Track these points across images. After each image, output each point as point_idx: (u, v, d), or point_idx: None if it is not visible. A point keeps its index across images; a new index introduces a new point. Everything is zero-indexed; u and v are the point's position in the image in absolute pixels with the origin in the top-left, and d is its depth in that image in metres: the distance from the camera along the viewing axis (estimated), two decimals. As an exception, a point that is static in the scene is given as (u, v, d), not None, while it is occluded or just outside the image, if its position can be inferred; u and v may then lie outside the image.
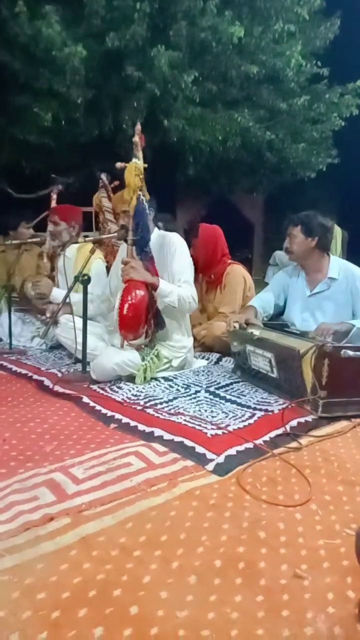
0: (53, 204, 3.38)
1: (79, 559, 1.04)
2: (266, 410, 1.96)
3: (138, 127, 2.34)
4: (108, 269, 2.84)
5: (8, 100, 5.71)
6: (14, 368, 2.60)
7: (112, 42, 5.47)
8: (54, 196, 3.48)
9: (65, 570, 1.00)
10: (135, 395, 2.13)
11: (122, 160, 2.33)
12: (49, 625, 0.85)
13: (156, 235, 2.48)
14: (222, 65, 6.31)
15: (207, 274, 3.13)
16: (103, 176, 3.19)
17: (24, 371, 2.52)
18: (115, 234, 2.47)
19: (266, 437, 1.70)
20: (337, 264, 2.45)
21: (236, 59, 6.23)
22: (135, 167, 2.25)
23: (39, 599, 0.91)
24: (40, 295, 2.79)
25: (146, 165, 2.32)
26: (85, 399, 2.05)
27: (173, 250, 2.42)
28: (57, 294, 2.75)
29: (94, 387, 2.24)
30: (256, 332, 2.27)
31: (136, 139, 2.30)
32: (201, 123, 6.54)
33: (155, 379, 2.37)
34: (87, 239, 2.60)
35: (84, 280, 2.26)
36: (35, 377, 2.42)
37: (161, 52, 5.51)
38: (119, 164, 2.31)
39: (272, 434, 1.74)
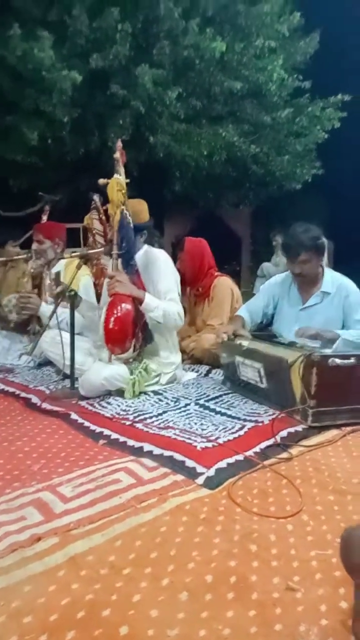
0: (44, 218, 3.40)
1: (68, 579, 1.02)
2: (256, 422, 1.95)
3: (119, 143, 2.38)
4: (97, 288, 2.84)
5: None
6: (1, 386, 2.57)
7: (95, 63, 5.55)
8: (45, 215, 3.49)
9: (53, 592, 0.98)
10: (125, 410, 2.11)
11: (108, 176, 2.35)
12: (36, 649, 0.83)
13: (143, 251, 2.49)
14: (206, 81, 6.43)
15: (194, 286, 3.14)
16: (95, 197, 3.19)
17: (11, 389, 2.49)
18: (102, 249, 2.47)
19: (256, 449, 1.69)
20: (331, 278, 2.41)
21: (219, 75, 6.36)
22: (117, 183, 2.27)
23: (26, 622, 0.89)
24: (26, 309, 2.77)
25: (128, 181, 2.34)
26: (74, 416, 2.03)
27: (158, 267, 2.42)
28: (45, 309, 2.74)
29: (83, 403, 2.22)
30: (245, 343, 2.27)
31: (117, 155, 2.33)
32: (186, 139, 6.64)
33: (145, 393, 2.36)
34: (73, 254, 2.60)
35: (70, 295, 2.25)
36: (22, 394, 2.38)
37: (145, 70, 5.60)
38: (101, 181, 2.33)
39: (263, 445, 1.73)
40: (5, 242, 3.46)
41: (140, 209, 2.52)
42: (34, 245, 2.97)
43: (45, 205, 3.62)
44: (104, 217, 3.04)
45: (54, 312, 2.39)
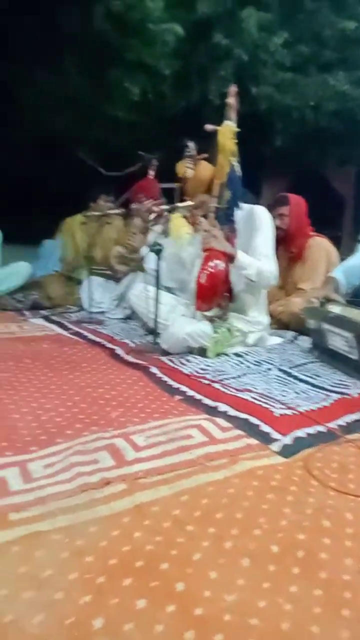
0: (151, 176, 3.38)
1: (131, 527, 1.02)
2: (342, 394, 1.81)
3: (233, 88, 2.22)
4: None
5: (101, 74, 5.76)
6: (90, 336, 2.67)
7: (201, 9, 5.29)
8: (152, 171, 3.47)
9: (115, 537, 0.99)
10: (204, 369, 2.08)
11: (209, 133, 2.23)
12: (93, 589, 0.84)
13: (243, 207, 2.38)
14: (316, 24, 5.86)
15: (290, 247, 2.96)
16: (190, 144, 3.07)
17: (98, 339, 2.58)
18: (191, 202, 2.40)
19: (340, 422, 1.57)
20: None
21: (332, 16, 5.75)
22: (229, 130, 2.14)
23: (87, 561, 0.91)
24: (130, 247, 2.82)
25: (239, 130, 2.20)
26: (154, 370, 2.05)
27: (258, 224, 2.32)
28: (144, 251, 2.76)
29: (164, 358, 2.23)
30: (335, 309, 2.10)
31: (230, 100, 2.19)
32: (292, 89, 6.17)
33: (226, 354, 2.30)
34: (162, 207, 2.56)
35: (156, 249, 2.23)
36: (109, 345, 2.46)
37: (251, 13, 5.24)
38: (208, 126, 2.20)
39: (348, 418, 1.60)
40: (97, 196, 3.51)
41: None
42: (135, 205, 2.98)
43: (146, 163, 3.59)
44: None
45: (143, 259, 2.38)
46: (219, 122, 2.25)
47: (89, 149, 6.98)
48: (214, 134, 2.23)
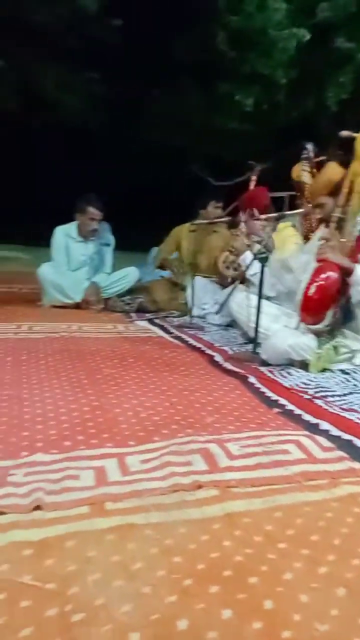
0: (252, 187, 3.39)
1: (221, 534, 1.01)
2: None
3: None
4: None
5: (213, 88, 5.91)
6: (191, 341, 2.72)
7: (322, 14, 5.17)
8: (252, 183, 3.47)
9: (204, 542, 0.98)
10: (305, 384, 1.99)
11: (323, 141, 2.16)
12: (180, 590, 0.83)
13: None
14: None
15: None
16: (309, 146, 2.97)
17: (198, 345, 2.61)
18: (302, 210, 2.32)
19: None
20: None
21: None
22: None
23: (175, 562, 0.91)
24: (234, 250, 2.83)
25: None
26: (252, 379, 2.01)
27: None
28: (247, 257, 2.74)
29: (263, 369, 2.18)
30: None
31: None
32: None
33: (330, 370, 2.19)
34: (269, 215, 2.52)
35: (262, 257, 2.20)
36: (208, 351, 2.48)
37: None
38: (344, 133, 2.13)
39: None
40: (207, 203, 3.56)
41: None
42: (243, 217, 2.99)
43: (254, 171, 3.58)
44: (315, 171, 2.83)
45: (247, 267, 2.36)
46: (336, 130, 2.16)
47: (200, 160, 7.17)
48: (335, 141, 2.15)
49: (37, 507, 1.04)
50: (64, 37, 6.17)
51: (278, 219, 2.33)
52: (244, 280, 2.85)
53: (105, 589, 0.82)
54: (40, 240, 4.99)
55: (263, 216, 2.59)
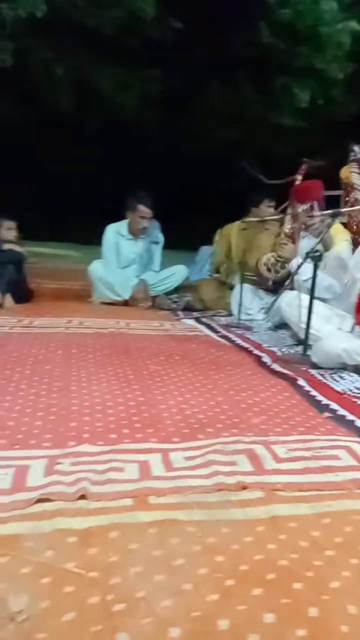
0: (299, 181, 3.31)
1: (265, 537, 0.98)
2: None
3: None
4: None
5: (267, 83, 5.82)
6: (238, 341, 2.69)
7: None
8: (300, 175, 3.39)
9: (248, 543, 0.96)
10: (359, 389, 1.92)
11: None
12: (221, 590, 0.82)
13: None
14: None
15: None
16: (356, 148, 2.88)
17: (246, 345, 2.58)
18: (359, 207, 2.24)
19: None
20: None
21: None
22: None
23: (217, 561, 0.89)
24: (281, 258, 2.78)
25: None
26: (301, 382, 1.95)
27: None
28: (296, 263, 2.68)
29: (313, 371, 2.12)
30: None
31: None
32: None
33: (386, 375, 2.09)
34: (324, 212, 2.44)
35: (314, 256, 2.13)
36: (255, 352, 2.44)
37: None
38: None
39: None
40: (261, 201, 3.51)
41: None
42: (289, 209, 2.93)
43: (301, 170, 3.49)
44: None
45: (297, 270, 2.31)
46: None
47: (253, 158, 7.08)
48: None
49: (82, 497, 1.05)
50: (121, 38, 6.28)
51: (334, 216, 2.25)
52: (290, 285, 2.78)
53: (146, 582, 0.82)
54: (92, 238, 5.11)
55: (318, 213, 2.51)
